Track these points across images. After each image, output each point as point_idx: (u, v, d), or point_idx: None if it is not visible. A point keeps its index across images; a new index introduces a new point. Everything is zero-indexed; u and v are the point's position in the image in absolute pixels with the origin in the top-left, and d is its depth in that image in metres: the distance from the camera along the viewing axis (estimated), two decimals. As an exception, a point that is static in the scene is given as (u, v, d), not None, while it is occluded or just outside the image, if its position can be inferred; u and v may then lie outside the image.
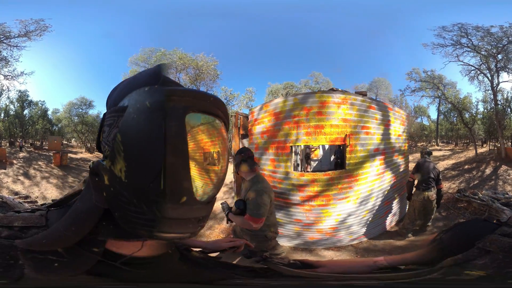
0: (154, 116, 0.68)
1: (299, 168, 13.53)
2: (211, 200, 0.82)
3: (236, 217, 3.73)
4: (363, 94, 7.44)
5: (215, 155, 0.80)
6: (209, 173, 0.78)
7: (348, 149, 6.83)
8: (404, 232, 7.59)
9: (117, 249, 0.85)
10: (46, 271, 0.76)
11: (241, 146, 8.23)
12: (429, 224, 7.86)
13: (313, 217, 6.90)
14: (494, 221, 0.96)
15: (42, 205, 1.02)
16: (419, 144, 36.31)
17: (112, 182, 0.73)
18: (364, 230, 7.29)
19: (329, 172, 6.98)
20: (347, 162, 6.90)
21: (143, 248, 0.87)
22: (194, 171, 0.73)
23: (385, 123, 7.64)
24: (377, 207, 7.45)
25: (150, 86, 0.73)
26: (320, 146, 15.13)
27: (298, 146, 9.86)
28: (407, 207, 8.25)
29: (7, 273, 0.74)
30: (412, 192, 7.75)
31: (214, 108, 0.79)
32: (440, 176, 7.66)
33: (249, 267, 1.20)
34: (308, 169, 14.78)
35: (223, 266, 1.21)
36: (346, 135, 6.72)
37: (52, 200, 1.03)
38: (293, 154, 7.37)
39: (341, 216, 6.89)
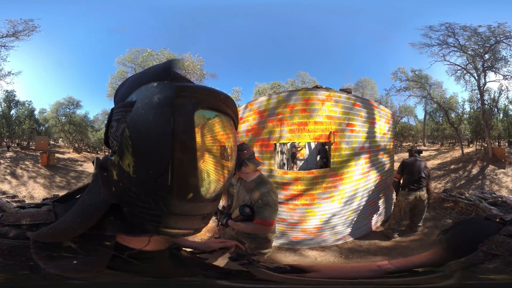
0: (163, 112, 0.67)
1: (285, 167, 13.27)
2: (217, 197, 0.80)
3: (241, 224, 3.39)
4: (347, 91, 7.29)
5: (223, 152, 0.80)
6: (216, 170, 0.78)
7: (332, 147, 6.68)
8: (390, 233, 7.40)
9: (127, 243, 0.85)
10: (65, 268, 0.76)
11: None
12: (421, 224, 7.63)
13: (297, 217, 6.74)
14: (497, 220, 0.91)
15: (44, 199, 1.01)
16: (404, 144, 36.30)
17: (121, 177, 0.72)
18: (349, 230, 7.14)
19: (313, 170, 6.85)
20: (331, 160, 6.74)
21: (149, 243, 0.88)
22: (201, 168, 0.73)
23: (370, 121, 7.48)
24: (362, 207, 7.30)
25: (160, 81, 0.72)
26: (306, 146, 15.03)
27: (283, 143, 9.81)
28: (392, 207, 8.10)
29: (21, 272, 0.74)
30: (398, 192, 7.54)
31: (224, 105, 0.78)
32: (430, 176, 7.51)
33: (227, 269, 1.20)
34: (294, 169, 14.49)
35: (204, 266, 1.22)
36: (330, 132, 6.56)
37: (54, 196, 0.89)
38: (278, 151, 7.26)
39: (325, 216, 6.74)
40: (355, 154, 7.04)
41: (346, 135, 6.82)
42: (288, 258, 6.49)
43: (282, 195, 6.70)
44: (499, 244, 0.80)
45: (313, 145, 14.25)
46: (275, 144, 7.02)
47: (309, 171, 6.83)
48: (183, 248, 1.31)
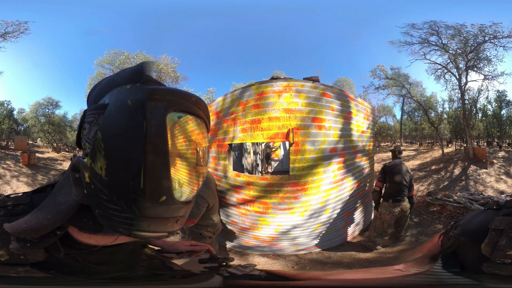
0: (135, 115, 0.66)
1: (260, 168, 13.26)
2: (190, 200, 0.79)
3: None
4: (313, 80, 5.79)
5: (195, 154, 0.77)
6: (189, 173, 0.75)
7: (292, 148, 5.34)
8: (371, 245, 6.24)
9: (93, 241, 0.87)
10: (22, 250, 0.79)
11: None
12: (408, 234, 6.70)
13: (249, 223, 5.92)
14: (494, 207, 1.04)
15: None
16: (382, 144, 35.49)
17: (93, 180, 0.70)
18: (315, 242, 5.96)
19: (267, 176, 5.72)
20: (291, 165, 5.42)
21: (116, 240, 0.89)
22: (174, 170, 0.70)
23: (345, 115, 6.05)
24: (332, 220, 5.99)
25: (132, 84, 0.72)
26: (281, 146, 14.65)
27: (256, 144, 9.98)
28: (373, 218, 6.98)
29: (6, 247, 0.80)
30: (380, 202, 6.30)
31: (196, 108, 0.77)
32: (412, 181, 6.25)
33: (189, 272, 1.20)
34: (269, 170, 14.62)
35: (165, 267, 1.20)
36: (289, 129, 5.24)
37: (33, 192, 0.94)
38: (232, 152, 6.53)
39: (282, 227, 5.69)
40: (325, 157, 5.63)
41: (311, 133, 5.44)
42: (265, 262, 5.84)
43: (234, 197, 6.11)
44: (501, 222, 0.93)
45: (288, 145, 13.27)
46: (230, 144, 6.20)
47: (262, 176, 5.62)
48: (150, 246, 1.28)
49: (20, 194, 0.91)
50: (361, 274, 1.39)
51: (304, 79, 5.85)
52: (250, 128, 5.54)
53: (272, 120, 5.33)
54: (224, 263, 1.23)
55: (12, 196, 0.91)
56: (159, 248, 1.41)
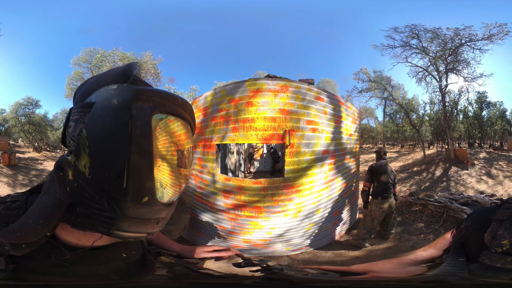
0: (121, 115, 0.66)
1: (242, 168, 13.12)
2: (173, 202, 0.79)
3: None
4: (309, 82, 5.80)
5: (180, 156, 0.77)
6: (172, 175, 0.76)
7: (288, 150, 5.26)
8: (360, 243, 6.43)
9: (73, 238, 0.86)
10: (19, 251, 0.80)
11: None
12: (393, 231, 6.93)
13: (239, 227, 5.76)
14: (498, 203, 1.08)
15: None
16: (364, 146, 35.74)
17: (76, 178, 0.71)
18: (307, 242, 6.04)
19: (261, 180, 5.49)
20: (286, 168, 5.36)
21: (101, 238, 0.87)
22: (157, 171, 0.71)
23: (336, 119, 6.11)
24: (324, 219, 6.05)
25: (119, 84, 0.71)
26: (264, 145, 14.51)
27: (227, 144, 9.25)
28: (362, 216, 7.24)
29: None
30: (369, 201, 6.63)
31: (181, 110, 0.77)
32: (396, 180, 6.75)
33: (236, 275, 1.15)
34: (252, 169, 14.60)
35: (201, 273, 1.18)
36: (285, 131, 5.17)
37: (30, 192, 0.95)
38: (220, 153, 6.41)
39: (275, 229, 5.63)
40: (318, 159, 5.66)
41: (306, 136, 5.43)
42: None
43: (222, 202, 5.85)
44: (501, 213, 0.99)
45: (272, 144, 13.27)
46: (218, 145, 5.97)
47: (256, 180, 5.55)
48: (167, 252, 1.26)
49: (20, 193, 0.91)
50: (382, 266, 1.33)
51: (299, 80, 5.85)
52: (243, 127, 5.32)
53: (267, 120, 5.22)
54: (265, 265, 1.19)
55: (12, 194, 0.92)
56: (177, 254, 1.37)
